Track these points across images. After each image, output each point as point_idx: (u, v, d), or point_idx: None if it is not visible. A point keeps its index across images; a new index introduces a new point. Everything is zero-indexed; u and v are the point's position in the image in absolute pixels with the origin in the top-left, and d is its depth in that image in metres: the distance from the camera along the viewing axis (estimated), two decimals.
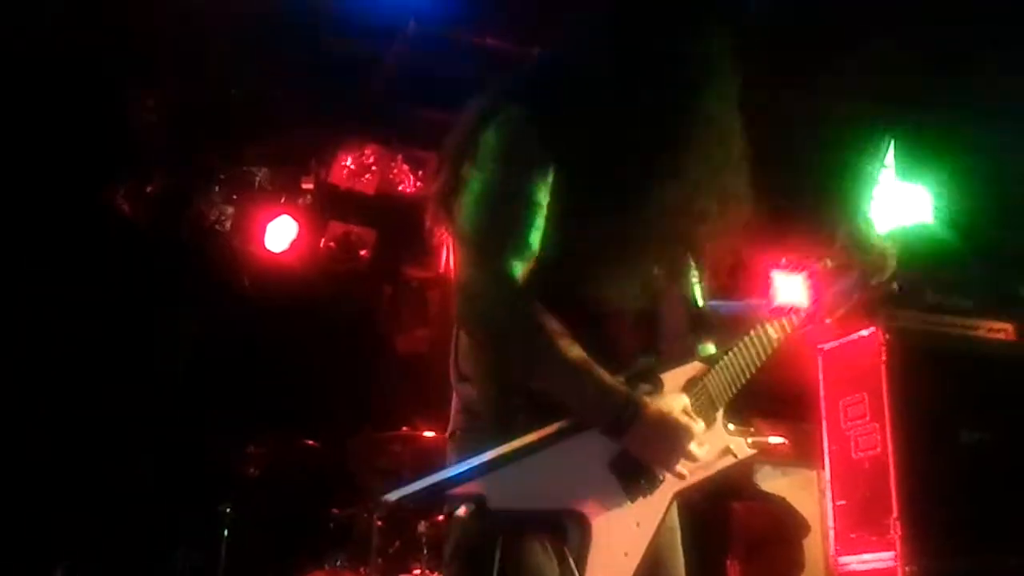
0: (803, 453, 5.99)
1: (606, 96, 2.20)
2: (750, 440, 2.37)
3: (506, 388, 2.15)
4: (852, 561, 5.04)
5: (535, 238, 2.14)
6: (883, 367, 5.01)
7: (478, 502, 2.00)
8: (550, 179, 2.16)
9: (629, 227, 2.20)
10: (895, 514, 4.81)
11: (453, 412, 2.32)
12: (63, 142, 5.57)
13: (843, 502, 5.16)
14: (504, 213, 2.16)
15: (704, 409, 2.26)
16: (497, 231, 2.15)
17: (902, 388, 4.99)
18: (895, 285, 2.55)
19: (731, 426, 2.37)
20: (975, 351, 5.30)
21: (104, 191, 6.07)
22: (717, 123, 2.25)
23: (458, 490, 2.01)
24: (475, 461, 2.04)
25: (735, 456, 2.32)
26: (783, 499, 6.36)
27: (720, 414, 2.34)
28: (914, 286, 5.44)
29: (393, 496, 2.00)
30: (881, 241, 2.54)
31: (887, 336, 5.05)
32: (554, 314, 2.11)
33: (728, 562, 5.94)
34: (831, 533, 5.21)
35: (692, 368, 2.30)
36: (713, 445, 2.28)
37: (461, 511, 2.10)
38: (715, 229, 2.30)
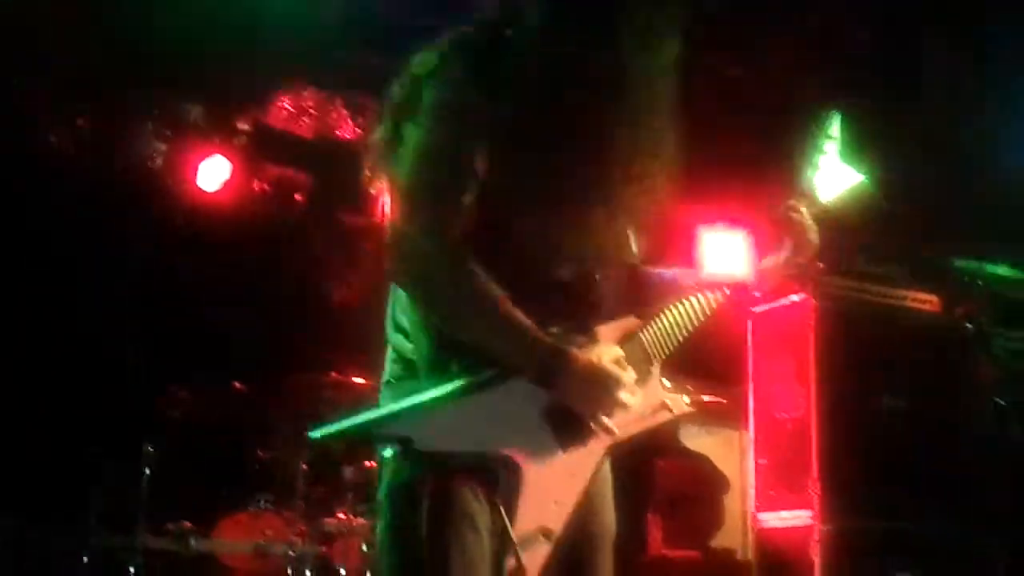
0: (726, 413, 6.09)
1: (542, 56, 2.19)
2: (687, 397, 2.38)
3: (440, 339, 2.14)
4: (770, 518, 5.14)
5: (470, 198, 2.14)
6: (811, 332, 5.10)
7: (406, 443, 2.00)
8: (488, 138, 2.16)
9: (566, 184, 2.19)
10: (814, 474, 4.91)
11: (387, 361, 2.31)
12: None
13: (764, 461, 5.26)
14: (441, 172, 2.16)
15: (638, 363, 2.26)
16: (433, 188, 2.15)
17: (828, 353, 5.08)
18: (819, 264, 2.57)
19: (667, 382, 2.38)
20: (901, 321, 5.40)
21: (33, 125, 5.89)
22: (653, 84, 2.25)
23: (386, 430, 2.00)
24: (405, 403, 2.02)
25: (671, 411, 2.34)
26: (706, 457, 6.47)
27: (655, 370, 2.34)
28: (846, 255, 5.52)
29: (318, 433, 1.98)
30: (812, 217, 2.56)
31: (816, 303, 5.13)
32: (490, 270, 2.11)
33: (649, 516, 6.03)
34: (751, 491, 5.30)
35: (627, 323, 2.31)
36: (648, 399, 2.29)
37: (388, 452, 2.09)
38: (651, 190, 2.31)
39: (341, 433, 2.00)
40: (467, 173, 2.15)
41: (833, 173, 2.64)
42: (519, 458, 2.09)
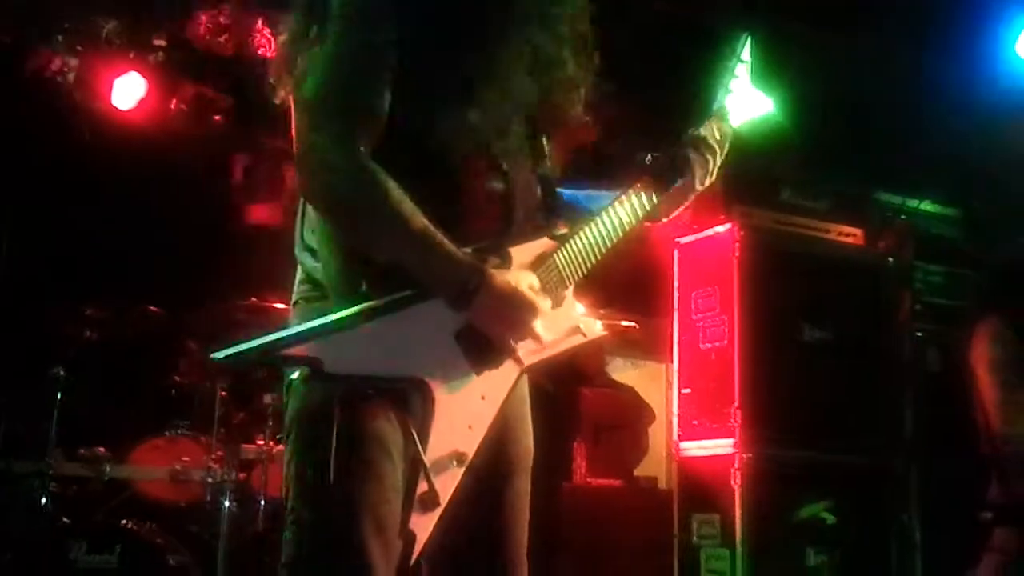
0: (653, 346, 6.14)
1: None
2: (600, 322, 2.34)
3: (349, 257, 2.06)
4: (693, 447, 5.19)
5: (383, 103, 2.06)
6: (735, 262, 5.12)
7: (314, 365, 1.93)
8: (398, 35, 2.07)
9: (479, 93, 2.12)
10: (736, 403, 4.96)
11: (296, 283, 2.24)
12: None
13: (688, 391, 5.30)
14: (350, 75, 2.07)
15: (553, 287, 2.21)
16: (342, 94, 2.05)
17: (752, 284, 5.11)
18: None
19: (580, 307, 2.33)
20: (825, 253, 5.47)
21: None
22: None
23: (293, 351, 1.93)
24: (313, 323, 1.95)
25: (584, 335, 2.29)
26: (631, 388, 6.53)
27: (569, 293, 2.29)
28: (771, 185, 5.54)
29: (221, 354, 1.90)
30: (719, 140, 2.52)
31: (741, 233, 5.14)
32: (403, 183, 2.03)
33: (575, 445, 6.08)
34: (675, 420, 5.34)
35: (542, 244, 2.24)
36: (561, 324, 2.23)
37: (295, 375, 2.02)
38: (569, 100, 2.25)
39: (245, 354, 1.91)
40: (379, 74, 2.06)
41: (744, 97, 2.60)
42: (431, 381, 2.04)
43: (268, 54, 6.11)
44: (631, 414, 6.52)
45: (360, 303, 1.98)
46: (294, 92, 2.12)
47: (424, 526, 2.03)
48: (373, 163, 2.03)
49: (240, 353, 1.90)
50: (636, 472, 6.35)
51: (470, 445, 2.09)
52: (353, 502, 2.00)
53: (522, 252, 2.19)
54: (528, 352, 2.16)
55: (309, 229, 2.18)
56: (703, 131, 2.50)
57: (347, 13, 2.08)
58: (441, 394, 2.04)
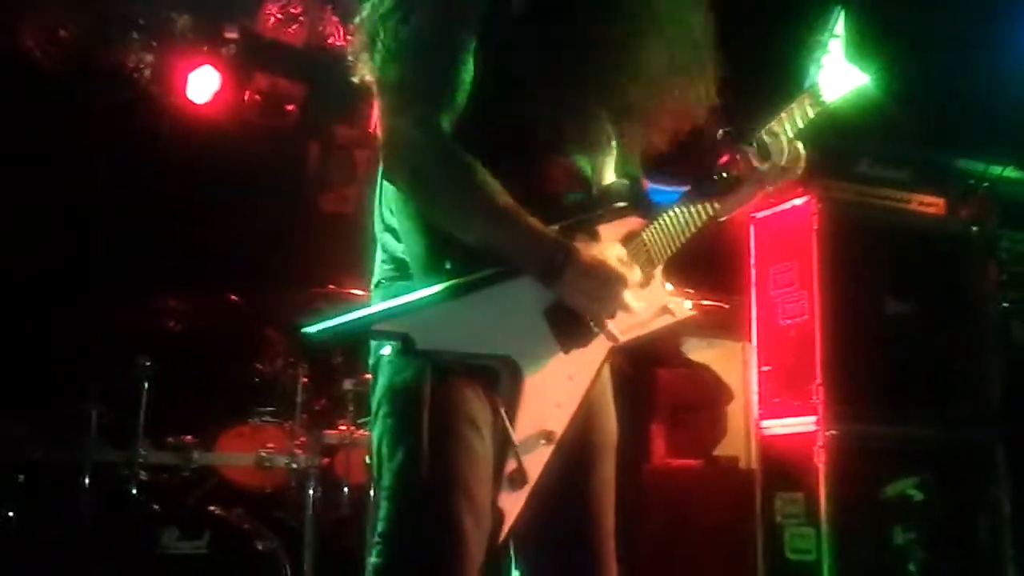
0: (729, 325, 6.06)
1: None
2: (690, 302, 2.31)
3: (433, 236, 2.06)
4: (774, 425, 5.12)
5: (465, 83, 2.05)
6: (814, 236, 5.02)
7: (404, 341, 1.92)
8: (482, 18, 2.06)
9: (570, 72, 2.11)
10: (818, 380, 4.87)
11: (378, 263, 2.24)
12: None
13: (768, 368, 5.22)
14: (434, 56, 2.06)
15: (641, 264, 2.19)
16: (426, 76, 2.05)
17: (831, 257, 5.01)
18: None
19: (669, 286, 2.30)
20: (906, 224, 5.34)
21: (15, 36, 5.74)
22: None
23: (385, 326, 1.93)
24: (404, 299, 1.95)
25: (673, 315, 2.27)
26: (708, 367, 6.47)
27: (659, 272, 2.27)
28: (849, 156, 5.43)
29: (313, 329, 1.91)
30: (810, 119, 2.46)
31: (820, 205, 5.04)
32: (490, 163, 2.03)
33: (653, 427, 6.04)
34: (755, 398, 5.28)
35: (630, 222, 2.22)
36: (650, 302, 2.22)
37: (386, 351, 2.03)
38: (666, 92, 2.21)
39: (338, 329, 1.93)
40: (462, 58, 2.05)
41: (837, 72, 2.54)
42: (519, 359, 2.03)
43: (338, 43, 6.17)
44: (709, 394, 6.46)
45: (445, 281, 1.98)
46: (376, 72, 2.12)
47: (513, 504, 2.03)
48: (457, 142, 2.02)
49: (333, 328, 1.92)
50: (715, 452, 6.30)
51: (559, 424, 2.08)
52: (446, 477, 2.00)
53: (610, 230, 2.18)
54: (621, 329, 2.14)
55: (388, 208, 2.19)
56: (794, 110, 2.44)
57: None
58: (529, 372, 2.04)
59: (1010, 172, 5.80)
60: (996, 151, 5.81)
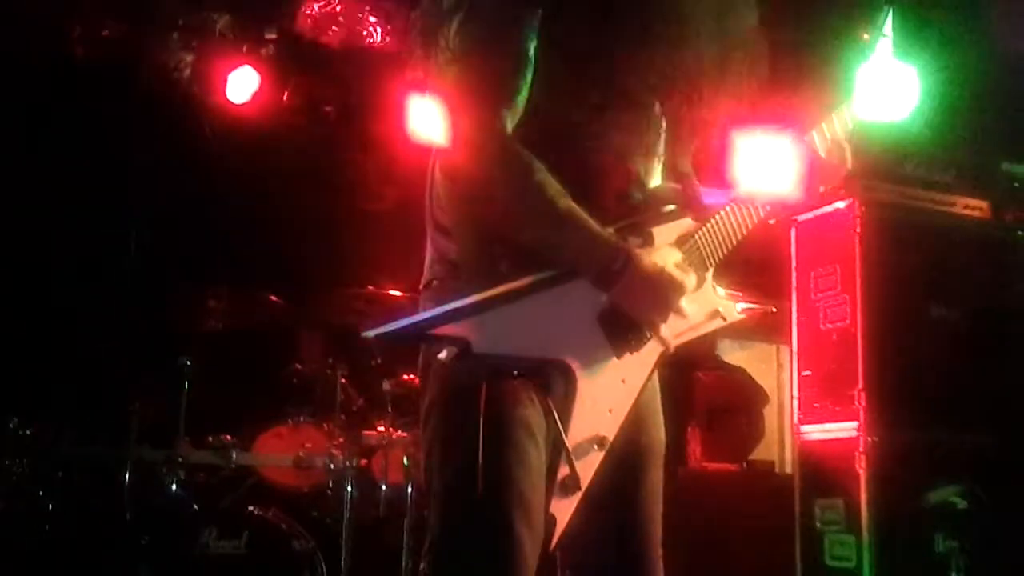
0: (764, 327, 6.01)
1: None
2: (740, 305, 2.29)
3: (487, 237, 2.05)
4: (814, 430, 5.07)
5: (525, 88, 2.04)
6: (857, 239, 4.96)
7: (462, 345, 1.91)
8: (541, 22, 2.05)
9: (624, 75, 2.10)
10: (860, 385, 4.82)
11: (428, 263, 2.22)
12: None
13: (808, 373, 5.16)
14: (497, 61, 2.05)
15: (695, 267, 2.17)
16: (489, 78, 2.04)
17: (874, 261, 4.95)
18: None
19: (720, 289, 2.28)
20: (950, 227, 5.26)
21: (59, 35, 5.78)
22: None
23: (442, 330, 1.92)
24: (460, 303, 1.94)
25: (724, 319, 2.25)
26: (743, 370, 6.42)
27: (710, 275, 2.25)
28: (892, 158, 5.37)
29: (373, 332, 1.91)
30: (848, 135, 2.43)
31: (863, 208, 4.99)
32: (543, 160, 2.02)
33: (690, 429, 6.00)
34: (794, 403, 5.22)
35: (683, 225, 2.21)
36: (702, 306, 2.20)
37: (443, 355, 2.01)
38: (716, 81, 2.20)
39: (397, 333, 1.92)
40: (523, 61, 2.04)
41: (885, 72, 2.51)
42: (573, 364, 2.02)
43: (376, 44, 6.17)
44: (745, 397, 6.41)
45: (498, 283, 1.97)
46: (438, 71, 2.11)
47: (564, 510, 2.01)
48: (517, 144, 2.01)
49: (392, 331, 1.92)
50: (752, 457, 6.25)
51: (611, 429, 2.07)
52: (501, 483, 1.99)
53: (664, 232, 2.16)
54: (674, 333, 2.12)
55: (440, 209, 2.18)
56: (843, 111, 2.42)
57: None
58: (583, 377, 2.02)
59: None
60: None
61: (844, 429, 4.87)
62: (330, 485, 4.92)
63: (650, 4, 2.11)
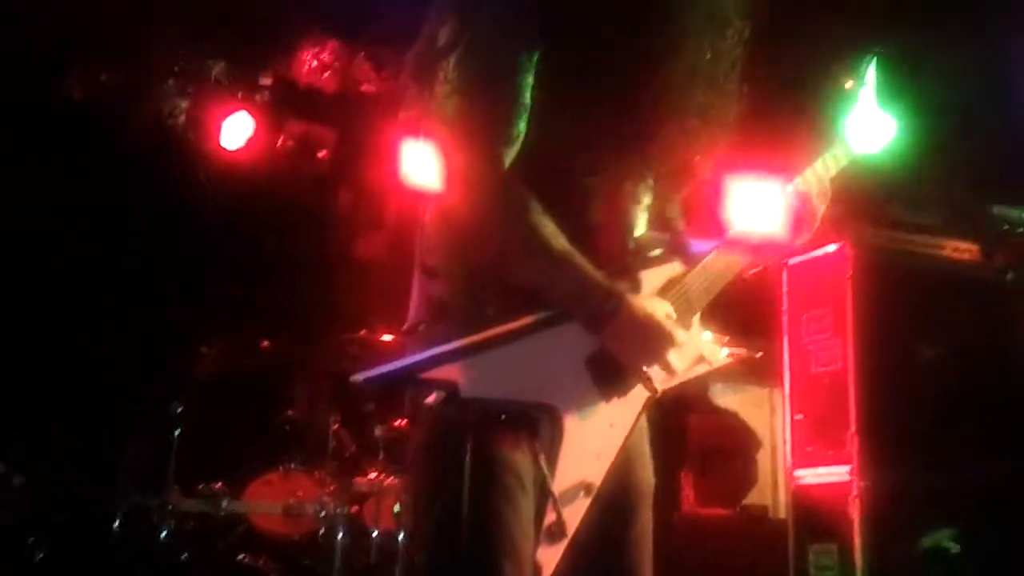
0: (757, 370, 6.01)
1: None
2: (725, 350, 2.29)
3: (477, 279, 2.05)
4: (808, 474, 5.06)
5: (521, 126, 2.05)
6: (848, 283, 4.99)
7: (450, 389, 1.91)
8: (537, 62, 2.06)
9: (619, 117, 2.11)
10: (853, 428, 4.82)
11: (414, 307, 2.20)
12: (12, 25, 5.31)
13: (801, 416, 5.16)
14: (494, 99, 2.06)
15: (682, 313, 2.17)
16: (487, 117, 2.05)
17: (865, 304, 4.97)
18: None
19: (707, 333, 2.28)
20: (940, 270, 5.28)
21: (56, 80, 5.83)
22: (714, 31, 2.18)
23: (430, 374, 1.92)
24: (448, 347, 1.94)
25: (710, 364, 2.24)
26: (736, 414, 6.41)
27: (696, 319, 2.25)
28: (881, 201, 5.40)
29: (362, 376, 1.91)
30: (846, 167, 2.46)
31: (854, 251, 5.01)
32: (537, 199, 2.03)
33: (683, 474, 5.98)
34: (787, 447, 5.21)
35: (671, 269, 2.21)
36: (689, 351, 2.18)
37: (431, 398, 2.01)
38: (702, 133, 2.21)
39: (385, 377, 1.92)
40: (520, 98, 2.05)
41: (868, 120, 2.53)
42: (561, 407, 2.01)
43: (370, 89, 6.22)
44: (738, 441, 6.40)
45: (484, 327, 1.96)
46: (437, 106, 2.12)
47: (550, 558, 1.99)
48: (516, 181, 2.02)
49: (381, 375, 1.92)
50: (745, 501, 6.22)
51: (598, 475, 2.06)
52: (490, 529, 1.97)
53: (652, 276, 2.17)
54: (660, 379, 2.12)
55: (429, 252, 2.18)
56: (827, 159, 2.44)
57: (490, 37, 2.07)
58: (570, 421, 2.02)
59: None
60: None
61: (837, 473, 4.86)
62: (321, 532, 4.88)
63: (642, 50, 2.12)
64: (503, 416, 1.99)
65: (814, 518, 4.98)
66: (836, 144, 2.49)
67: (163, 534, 4.66)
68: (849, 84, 2.55)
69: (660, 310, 2.09)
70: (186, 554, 4.69)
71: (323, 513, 4.84)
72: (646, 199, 2.25)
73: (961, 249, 5.45)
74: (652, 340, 2.06)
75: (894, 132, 2.59)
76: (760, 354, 5.25)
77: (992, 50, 5.82)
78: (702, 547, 5.46)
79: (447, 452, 2.01)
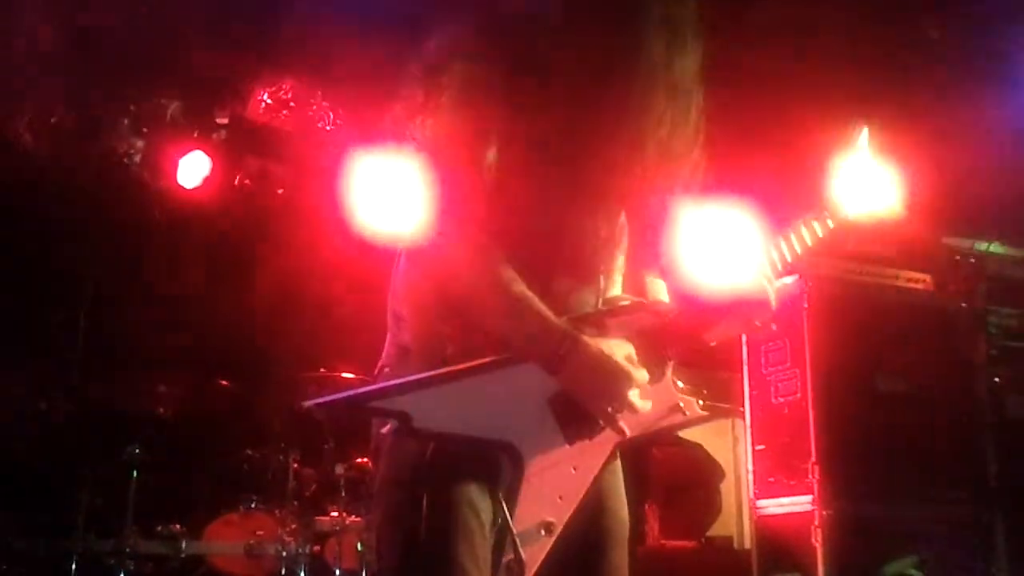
0: (719, 402, 6.02)
1: (554, 45, 2.14)
2: (701, 402, 2.29)
3: (435, 323, 2.07)
4: (770, 504, 5.07)
5: (489, 176, 2.10)
6: (804, 314, 5.03)
7: (402, 419, 1.92)
8: (509, 117, 2.11)
9: (574, 181, 2.15)
10: (813, 458, 4.84)
11: (384, 354, 2.23)
12: None
13: (762, 447, 5.19)
14: (470, 154, 2.10)
15: (651, 362, 2.18)
16: (463, 171, 2.09)
17: (822, 335, 5.01)
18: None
19: (680, 384, 2.28)
20: (894, 300, 5.34)
21: (7, 120, 5.77)
22: (671, 80, 2.19)
23: (381, 403, 1.93)
24: (403, 380, 1.96)
25: (684, 415, 2.25)
26: (700, 446, 6.43)
27: (669, 370, 2.25)
28: (837, 235, 5.45)
29: (311, 403, 1.94)
30: (836, 228, 2.48)
31: (809, 284, 5.06)
32: (508, 247, 2.07)
33: (647, 507, 5.98)
34: (750, 477, 5.23)
35: (642, 319, 2.22)
36: (660, 400, 2.19)
37: (386, 429, 2.01)
38: (654, 185, 2.23)
39: (336, 404, 1.94)
40: (486, 153, 2.09)
41: (860, 185, 2.54)
42: (521, 447, 2.01)
43: (327, 127, 6.22)
44: (702, 473, 6.41)
45: (444, 365, 1.98)
46: (410, 156, 2.15)
47: None
48: (482, 239, 2.06)
49: (330, 402, 1.94)
50: (710, 533, 6.23)
51: (560, 516, 2.05)
52: (443, 565, 1.97)
53: (621, 325, 2.17)
54: (630, 424, 2.12)
55: (398, 297, 2.20)
56: (811, 222, 2.46)
57: (456, 120, 2.12)
58: (531, 461, 2.01)
59: (996, 248, 5.84)
60: (981, 227, 5.86)
61: (799, 503, 4.88)
62: (283, 572, 4.83)
63: (611, 103, 2.15)
64: (460, 451, 1.99)
65: (778, 548, 4.99)
66: (822, 209, 2.49)
67: None
68: (844, 150, 2.56)
69: (619, 352, 2.10)
70: None
71: (284, 553, 4.79)
72: (622, 247, 2.28)
73: (914, 279, 5.52)
74: (609, 380, 2.07)
75: (885, 196, 2.60)
76: (741, 410, 5.29)
77: (941, 86, 5.93)
78: None
79: (406, 487, 2.03)
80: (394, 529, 2.05)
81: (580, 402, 2.07)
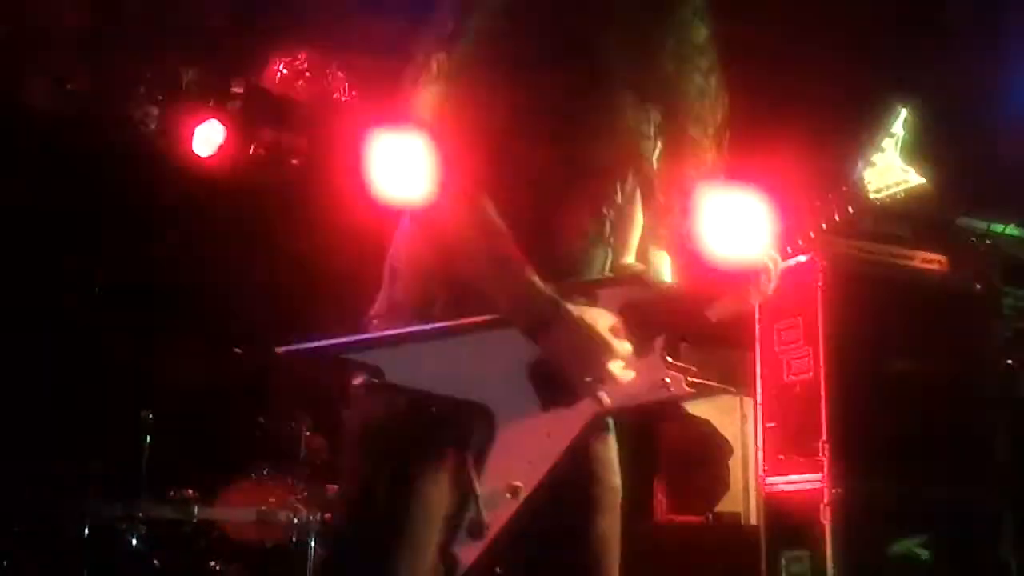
0: (727, 379, 6.03)
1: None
2: (690, 379, 2.27)
3: (426, 280, 2.10)
4: (779, 482, 5.09)
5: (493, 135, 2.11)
6: (819, 293, 5.03)
7: (373, 372, 1.94)
8: (515, 72, 2.12)
9: (599, 139, 2.16)
10: (824, 437, 4.86)
11: (375, 306, 2.24)
12: None
13: (773, 425, 5.20)
14: (471, 140, 2.10)
15: (639, 335, 2.15)
16: (465, 156, 2.08)
17: (836, 314, 5.01)
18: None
19: (670, 359, 2.24)
20: (909, 281, 5.34)
21: (24, 88, 5.78)
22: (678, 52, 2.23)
23: (354, 356, 1.94)
24: (380, 333, 1.99)
25: (670, 390, 2.21)
26: (708, 422, 6.44)
27: (659, 343, 2.22)
28: (855, 214, 5.43)
29: (283, 349, 1.95)
30: (859, 212, 2.45)
31: (824, 263, 5.05)
32: (509, 212, 2.07)
33: (655, 482, 6.00)
34: (759, 455, 5.25)
35: (633, 291, 2.19)
36: (645, 374, 2.16)
37: (357, 381, 2.03)
38: (668, 159, 2.26)
39: (309, 352, 1.95)
40: (491, 118, 2.10)
41: (888, 171, 2.51)
42: (494, 409, 2.02)
43: (343, 97, 6.21)
44: (711, 449, 6.42)
45: (429, 323, 2.01)
46: (426, 129, 2.15)
47: (468, 554, 2.00)
48: (481, 195, 2.07)
49: (302, 350, 1.95)
50: (718, 508, 6.25)
51: (528, 480, 2.04)
52: (393, 519, 2.00)
53: (611, 295, 2.15)
54: (611, 395, 2.10)
55: (397, 254, 2.23)
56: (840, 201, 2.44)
57: (459, 94, 2.13)
58: (503, 424, 2.02)
59: (1012, 230, 5.83)
60: (997, 208, 5.84)
61: (809, 481, 4.90)
62: (293, 540, 4.86)
63: (619, 69, 2.16)
64: (432, 408, 2.01)
65: (786, 525, 5.02)
66: (851, 188, 2.47)
67: (133, 542, 4.62)
68: (875, 133, 2.53)
69: (603, 322, 2.09)
70: (156, 562, 4.65)
71: (296, 520, 4.82)
72: (630, 218, 2.28)
73: (930, 260, 5.51)
74: (588, 349, 2.06)
75: (917, 183, 2.56)
76: (733, 390, 5.28)
77: (957, 65, 5.90)
78: (675, 554, 5.48)
79: (367, 440, 2.07)
80: (350, 480, 2.12)
81: (559, 369, 2.06)
